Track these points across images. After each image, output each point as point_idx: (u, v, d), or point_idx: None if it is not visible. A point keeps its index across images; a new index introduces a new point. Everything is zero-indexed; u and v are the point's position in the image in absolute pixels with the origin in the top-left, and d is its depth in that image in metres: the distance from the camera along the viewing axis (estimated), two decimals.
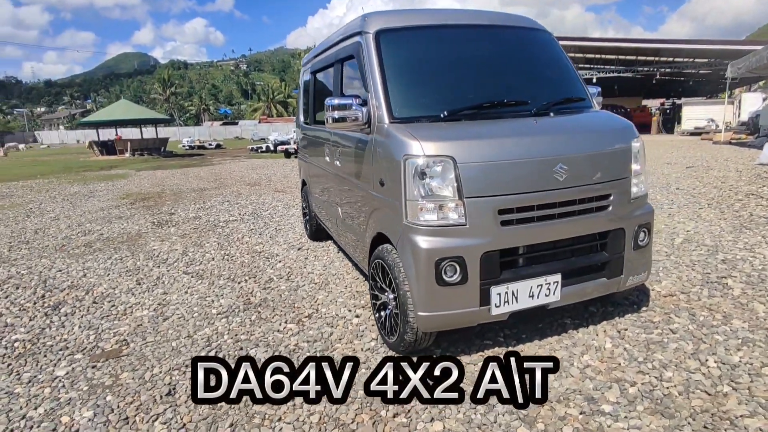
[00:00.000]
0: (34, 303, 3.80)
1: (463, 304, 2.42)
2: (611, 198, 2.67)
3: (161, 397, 2.39)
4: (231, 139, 49.42)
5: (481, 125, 2.65)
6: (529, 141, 2.51)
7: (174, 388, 2.46)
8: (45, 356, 2.90)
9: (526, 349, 2.72)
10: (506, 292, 2.45)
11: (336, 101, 2.78)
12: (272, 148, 26.13)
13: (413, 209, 2.39)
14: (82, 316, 3.50)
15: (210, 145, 37.97)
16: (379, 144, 2.68)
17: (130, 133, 32.92)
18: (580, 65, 31.65)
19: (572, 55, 29.40)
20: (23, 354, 2.94)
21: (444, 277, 2.36)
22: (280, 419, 2.17)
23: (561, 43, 3.40)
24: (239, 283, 4.09)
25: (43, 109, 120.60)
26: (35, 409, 2.34)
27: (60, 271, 4.67)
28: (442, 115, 2.64)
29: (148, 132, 31.23)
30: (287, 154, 24.82)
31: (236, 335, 3.06)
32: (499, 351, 2.71)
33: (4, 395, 2.48)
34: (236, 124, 65.57)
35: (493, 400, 2.21)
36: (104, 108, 39.18)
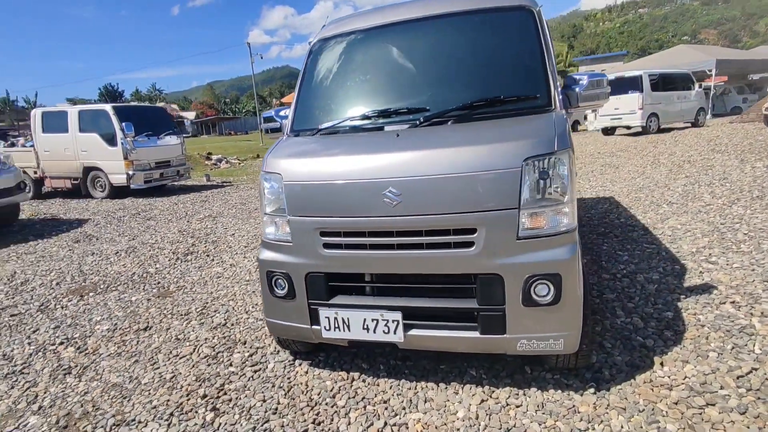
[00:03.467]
0: (185, 249, 5.62)
1: (295, 318, 2.47)
2: (476, 234, 2.08)
3: (140, 329, 3.44)
4: None
5: (336, 139, 2.51)
6: (357, 160, 2.24)
7: (151, 327, 3.48)
8: (143, 285, 4.44)
9: (381, 385, 2.49)
10: (335, 318, 2.35)
11: (267, 114, 3.09)
12: None
13: (263, 221, 2.56)
14: (188, 264, 5.03)
15: None
16: None
17: None
18: None
19: None
20: (139, 281, 4.58)
21: (275, 289, 2.48)
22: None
23: None
24: None
25: None
26: (98, 316, 3.78)
27: (226, 229, 6.57)
28: (317, 129, 2.62)
29: None
30: None
31: (233, 299, 3.87)
32: (353, 377, 2.58)
33: (100, 304, 4.05)
34: None
35: None
36: None
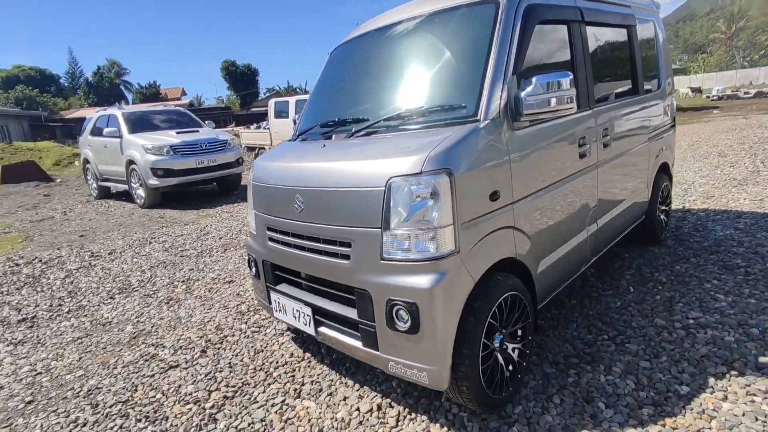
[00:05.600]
0: None
1: (262, 296, 2.95)
2: (351, 248, 2.11)
3: (226, 282, 4.48)
4: None
5: (292, 146, 2.78)
6: (283, 167, 2.51)
7: (233, 281, 4.48)
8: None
9: (316, 369, 2.74)
10: (278, 302, 2.73)
11: (296, 117, 3.54)
12: None
13: (248, 213, 3.09)
14: None
15: (746, 93, 31.20)
16: None
17: None
18: None
19: None
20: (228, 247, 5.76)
21: (251, 268, 3.00)
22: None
23: None
24: None
25: None
26: (217, 266, 5.04)
27: None
28: (297, 136, 2.94)
29: None
30: None
31: None
32: (306, 356, 2.88)
33: (227, 258, 5.34)
34: None
35: None
36: None
